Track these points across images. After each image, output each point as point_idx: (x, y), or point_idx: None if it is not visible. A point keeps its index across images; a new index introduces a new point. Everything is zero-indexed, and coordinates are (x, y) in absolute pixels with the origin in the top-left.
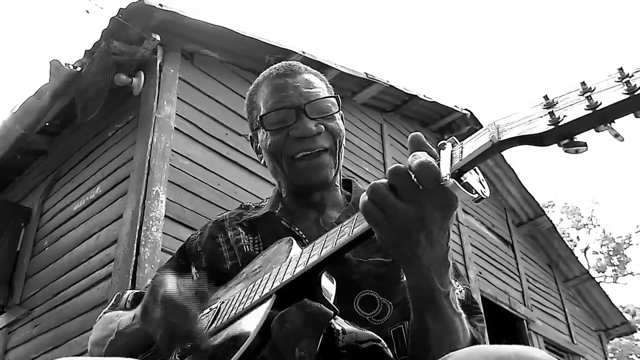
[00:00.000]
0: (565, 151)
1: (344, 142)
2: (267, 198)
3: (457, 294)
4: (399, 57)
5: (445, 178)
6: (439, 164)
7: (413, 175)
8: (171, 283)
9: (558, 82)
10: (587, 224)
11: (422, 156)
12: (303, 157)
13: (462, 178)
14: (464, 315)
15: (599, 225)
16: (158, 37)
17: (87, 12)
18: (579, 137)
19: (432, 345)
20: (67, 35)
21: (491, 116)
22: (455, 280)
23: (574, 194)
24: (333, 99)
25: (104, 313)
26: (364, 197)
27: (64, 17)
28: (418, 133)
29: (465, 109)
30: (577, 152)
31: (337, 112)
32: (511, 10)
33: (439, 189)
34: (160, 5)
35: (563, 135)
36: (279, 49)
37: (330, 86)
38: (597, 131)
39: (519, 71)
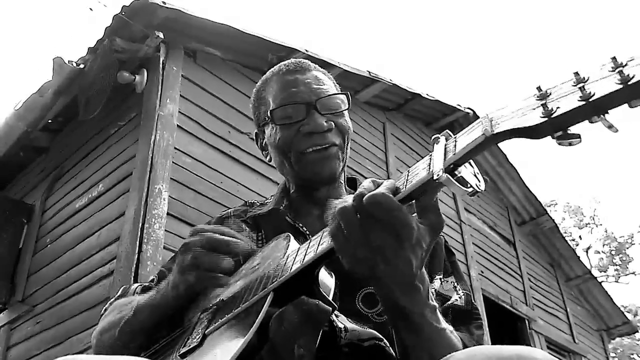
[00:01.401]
0: (559, 143)
1: (350, 139)
2: (271, 196)
3: (457, 299)
4: (402, 56)
5: (438, 174)
6: (432, 158)
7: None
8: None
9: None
10: (589, 223)
11: (367, 186)
12: (312, 151)
13: (456, 172)
14: (451, 330)
15: (601, 224)
16: (161, 35)
17: (91, 9)
18: (573, 129)
19: (413, 358)
20: (70, 32)
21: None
22: (457, 283)
23: (576, 193)
24: (342, 96)
25: (110, 304)
26: (333, 218)
27: (67, 14)
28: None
29: (468, 108)
30: (570, 144)
31: (346, 110)
32: (515, 9)
33: (387, 220)
34: (164, 2)
35: (556, 127)
36: (281, 47)
37: (337, 85)
38: (591, 122)
39: (522, 70)
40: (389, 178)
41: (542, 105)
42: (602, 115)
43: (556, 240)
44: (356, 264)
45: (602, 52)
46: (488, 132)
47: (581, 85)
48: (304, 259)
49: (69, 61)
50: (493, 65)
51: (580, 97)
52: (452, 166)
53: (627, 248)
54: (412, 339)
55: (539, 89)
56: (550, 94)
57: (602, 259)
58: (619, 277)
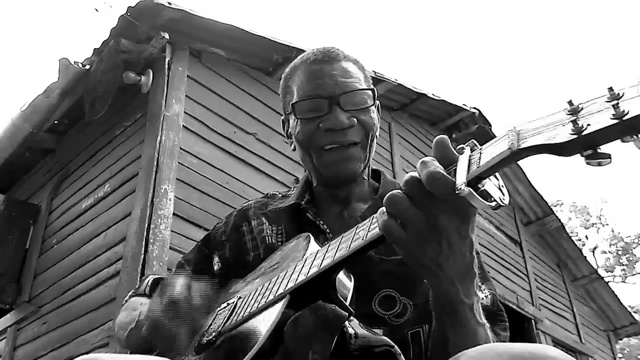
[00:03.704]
0: (588, 163)
1: (377, 135)
2: (294, 187)
3: (483, 298)
4: (407, 56)
5: (460, 187)
6: (455, 170)
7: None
8: (178, 286)
9: (568, 81)
10: (595, 223)
11: (431, 165)
12: (332, 149)
13: (479, 185)
14: (487, 326)
15: (607, 224)
16: (166, 36)
17: (96, 10)
18: (603, 148)
19: (451, 354)
20: (76, 33)
21: (500, 115)
22: (482, 283)
23: (583, 192)
24: (369, 92)
25: (130, 297)
26: (381, 210)
27: (73, 16)
28: (444, 136)
29: (474, 108)
30: (600, 164)
31: (372, 106)
32: (520, 8)
33: (452, 196)
34: (169, 3)
35: (586, 145)
36: (287, 47)
37: (369, 75)
38: (623, 141)
39: (527, 69)
40: (394, 178)
41: (572, 121)
42: (635, 136)
43: (563, 240)
44: (420, 253)
45: (608, 50)
46: (514, 146)
47: (615, 102)
48: (321, 264)
49: (74, 62)
50: (498, 64)
51: (613, 115)
52: (475, 178)
53: (634, 248)
54: (457, 334)
55: (570, 103)
56: (582, 109)
57: (609, 259)
58: (626, 277)
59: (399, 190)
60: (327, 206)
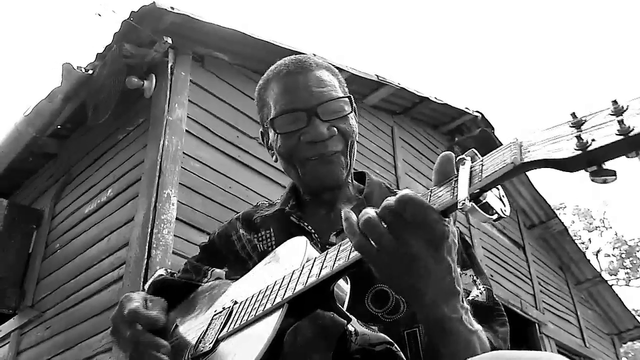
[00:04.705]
0: (593, 180)
1: (356, 140)
2: (280, 196)
3: (478, 295)
4: (409, 59)
5: (463, 202)
6: (456, 182)
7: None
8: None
9: (570, 84)
10: (599, 226)
11: (391, 198)
12: (315, 159)
13: (481, 198)
14: (481, 330)
15: (611, 227)
16: (169, 40)
17: (99, 15)
18: (608, 165)
19: None
20: (79, 38)
21: (502, 118)
22: (477, 278)
23: (586, 195)
24: (346, 99)
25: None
26: (354, 229)
27: (75, 20)
28: (449, 153)
29: (477, 111)
30: (605, 182)
31: (350, 113)
32: (523, 12)
33: (422, 222)
34: (172, 8)
35: (591, 161)
36: (289, 51)
37: (343, 80)
38: (628, 157)
39: (530, 73)
40: (397, 181)
41: (576, 136)
42: None
43: (566, 243)
44: (398, 280)
45: (611, 53)
46: (517, 160)
47: (620, 118)
48: (319, 273)
49: (77, 67)
50: (501, 67)
51: (619, 131)
52: (477, 191)
53: (638, 251)
54: (448, 346)
55: (573, 115)
56: (585, 121)
57: (612, 262)
58: (630, 280)
59: (374, 214)
60: (312, 210)
